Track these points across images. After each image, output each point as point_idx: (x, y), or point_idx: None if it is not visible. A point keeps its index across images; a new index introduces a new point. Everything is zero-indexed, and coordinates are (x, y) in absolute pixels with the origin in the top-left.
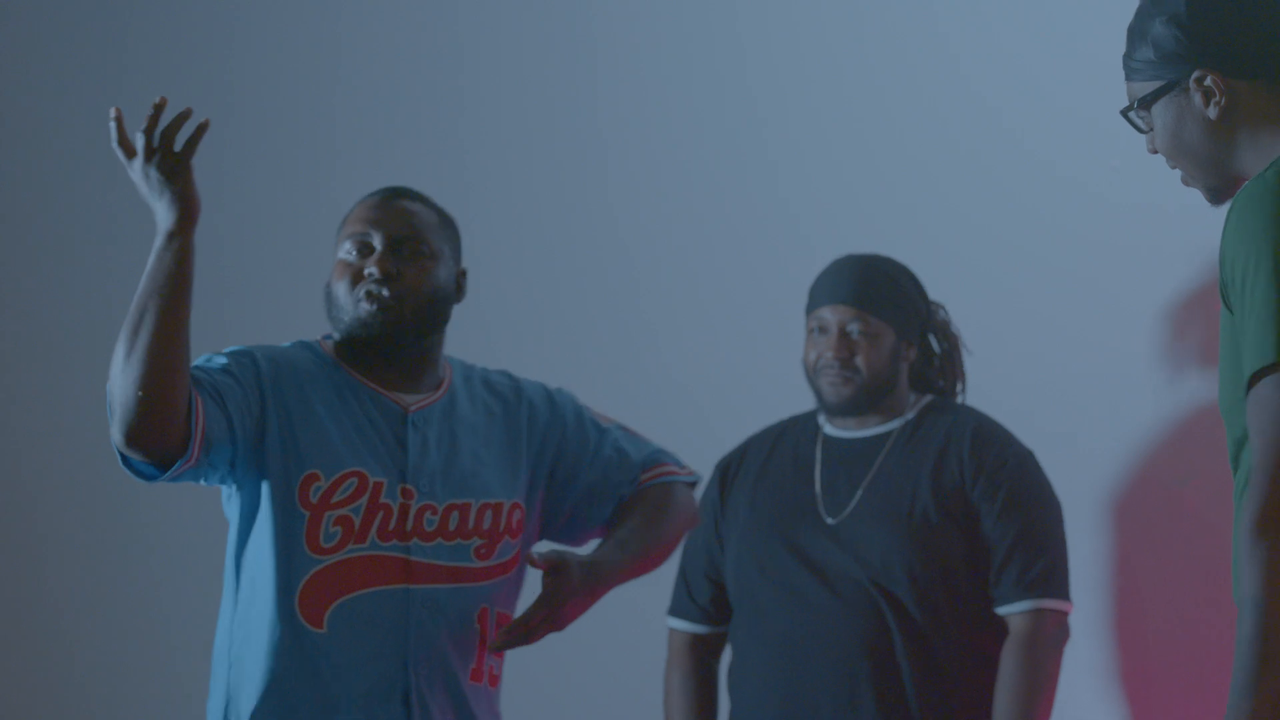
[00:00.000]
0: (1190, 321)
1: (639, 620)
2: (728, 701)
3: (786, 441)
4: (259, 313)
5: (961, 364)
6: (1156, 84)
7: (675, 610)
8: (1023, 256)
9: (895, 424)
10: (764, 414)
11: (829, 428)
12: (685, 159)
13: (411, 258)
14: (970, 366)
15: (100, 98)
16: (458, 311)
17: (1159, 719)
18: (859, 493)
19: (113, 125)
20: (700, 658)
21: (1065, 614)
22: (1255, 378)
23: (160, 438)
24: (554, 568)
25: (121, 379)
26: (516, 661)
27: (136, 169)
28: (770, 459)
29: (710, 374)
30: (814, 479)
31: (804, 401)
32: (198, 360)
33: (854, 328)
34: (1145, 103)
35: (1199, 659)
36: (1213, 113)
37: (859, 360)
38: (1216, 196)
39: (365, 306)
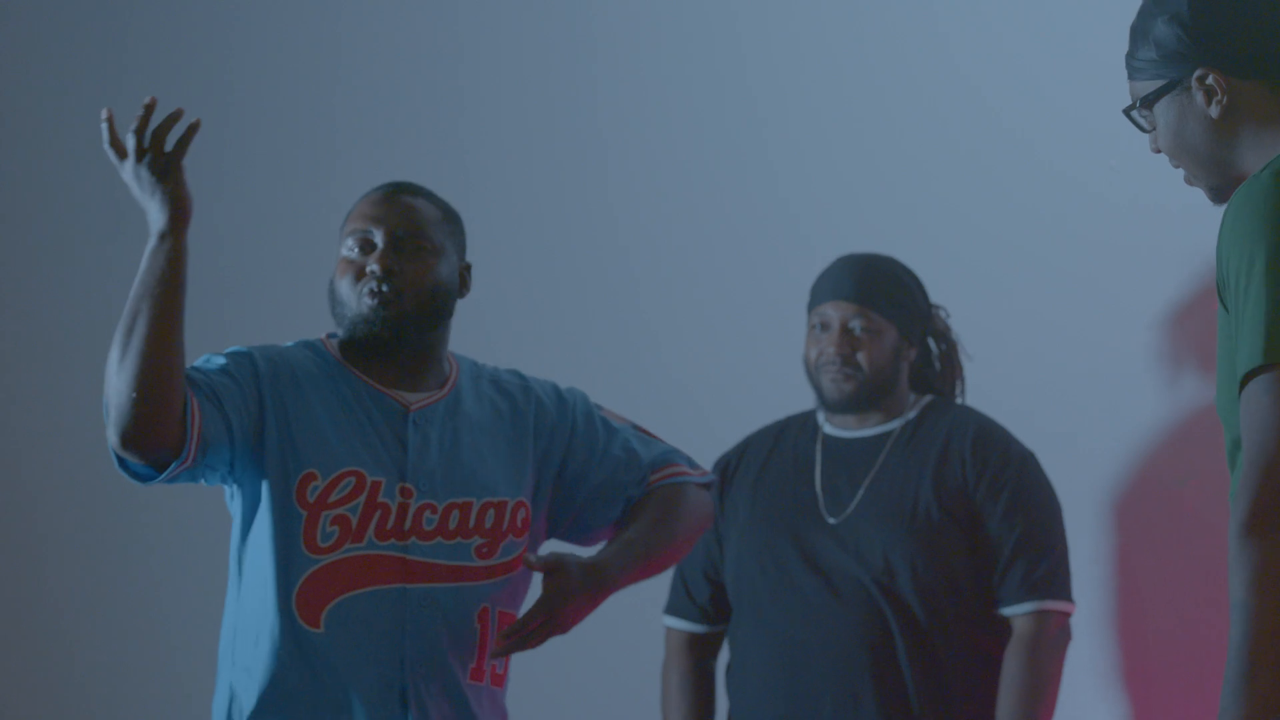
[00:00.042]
0: (1190, 321)
1: (639, 620)
2: (725, 701)
3: (786, 440)
4: (259, 313)
5: (960, 366)
6: (1158, 83)
7: (673, 609)
8: (1023, 256)
9: (896, 424)
10: (764, 414)
11: (828, 427)
12: (685, 159)
13: (413, 253)
14: (970, 367)
15: (100, 98)
16: (459, 311)
17: (1159, 719)
18: (860, 492)
19: (104, 126)
20: (698, 657)
21: (1068, 615)
22: (1247, 378)
23: (156, 439)
24: (552, 570)
25: (116, 381)
26: (516, 661)
27: (128, 170)
28: (770, 458)
29: (710, 374)
30: (814, 478)
31: (804, 401)
32: (196, 361)
33: (856, 324)
34: (1147, 102)
35: (1199, 659)
36: (1215, 112)
37: (861, 357)
38: (1219, 196)
39: (367, 302)
